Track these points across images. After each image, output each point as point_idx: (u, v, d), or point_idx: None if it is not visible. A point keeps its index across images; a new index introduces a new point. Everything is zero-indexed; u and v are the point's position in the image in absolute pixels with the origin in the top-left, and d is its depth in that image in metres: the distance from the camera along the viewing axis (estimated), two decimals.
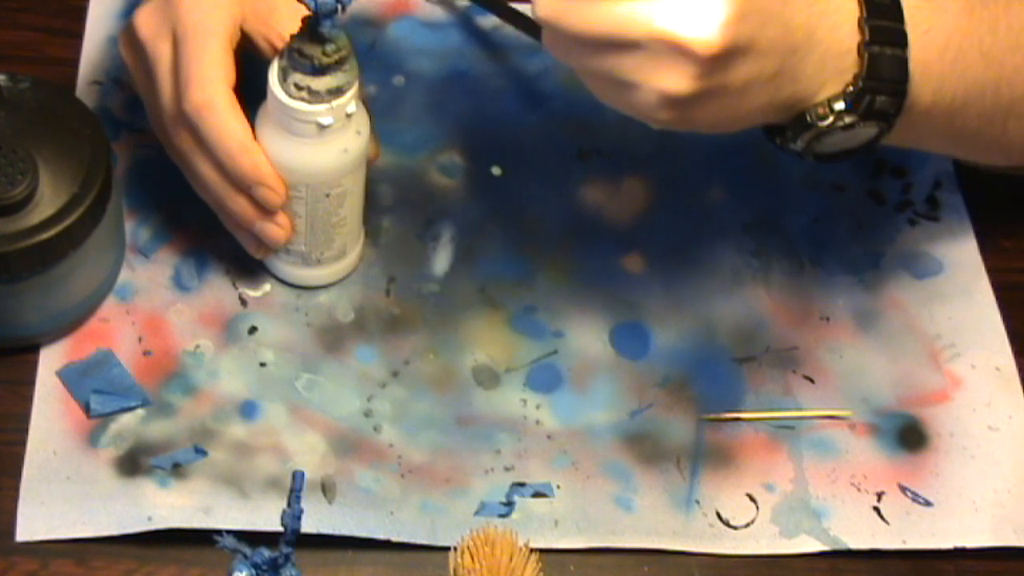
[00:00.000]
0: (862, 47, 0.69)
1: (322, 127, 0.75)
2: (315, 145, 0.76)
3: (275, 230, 0.79)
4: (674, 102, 0.66)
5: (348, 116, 0.75)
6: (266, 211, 0.78)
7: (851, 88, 0.69)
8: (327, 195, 0.78)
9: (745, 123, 0.70)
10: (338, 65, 0.73)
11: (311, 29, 0.73)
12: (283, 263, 0.83)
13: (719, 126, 0.69)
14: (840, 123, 0.70)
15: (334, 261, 0.83)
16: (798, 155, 0.72)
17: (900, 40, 0.70)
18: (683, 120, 0.68)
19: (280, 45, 0.77)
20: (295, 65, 0.73)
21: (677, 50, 0.64)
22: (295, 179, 0.77)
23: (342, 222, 0.80)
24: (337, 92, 0.74)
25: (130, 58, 0.81)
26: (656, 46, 0.64)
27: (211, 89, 0.75)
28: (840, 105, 0.70)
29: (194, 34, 0.76)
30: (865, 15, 0.69)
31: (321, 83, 0.74)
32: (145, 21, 0.78)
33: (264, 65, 0.76)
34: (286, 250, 0.81)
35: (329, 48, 0.73)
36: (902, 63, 0.70)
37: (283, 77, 0.74)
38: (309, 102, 0.74)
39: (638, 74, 0.66)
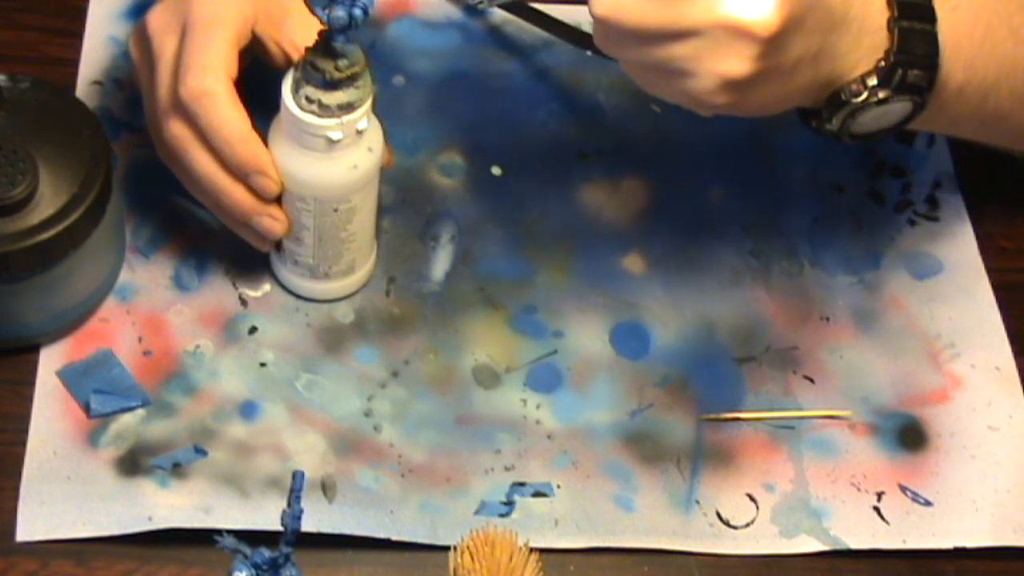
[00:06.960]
0: (892, 22, 0.70)
1: (332, 142, 0.75)
2: (325, 159, 0.76)
3: (271, 223, 0.78)
4: (732, 85, 0.67)
5: (359, 132, 0.75)
6: (263, 201, 0.78)
7: (883, 63, 0.70)
8: (335, 210, 0.78)
9: (789, 104, 0.71)
10: (350, 81, 0.73)
11: (325, 43, 0.73)
12: (292, 275, 0.82)
13: (767, 108, 0.70)
14: (874, 98, 0.71)
15: (342, 276, 0.82)
16: (834, 135, 0.73)
17: (928, 16, 0.71)
18: (738, 103, 0.69)
19: (290, 51, 0.78)
20: (308, 78, 0.73)
21: (738, 33, 0.65)
22: (304, 191, 0.77)
23: (351, 237, 0.80)
24: (348, 107, 0.74)
25: (137, 55, 0.80)
26: (716, 31, 0.65)
27: (211, 78, 0.75)
28: (873, 80, 0.71)
29: (201, 25, 0.76)
30: None
31: (332, 98, 0.73)
32: (157, 18, 0.78)
33: (277, 74, 0.76)
34: (294, 261, 0.81)
35: (342, 63, 0.73)
36: (932, 38, 0.71)
37: (296, 89, 0.74)
38: (319, 115, 0.74)
39: (695, 61, 0.67)
